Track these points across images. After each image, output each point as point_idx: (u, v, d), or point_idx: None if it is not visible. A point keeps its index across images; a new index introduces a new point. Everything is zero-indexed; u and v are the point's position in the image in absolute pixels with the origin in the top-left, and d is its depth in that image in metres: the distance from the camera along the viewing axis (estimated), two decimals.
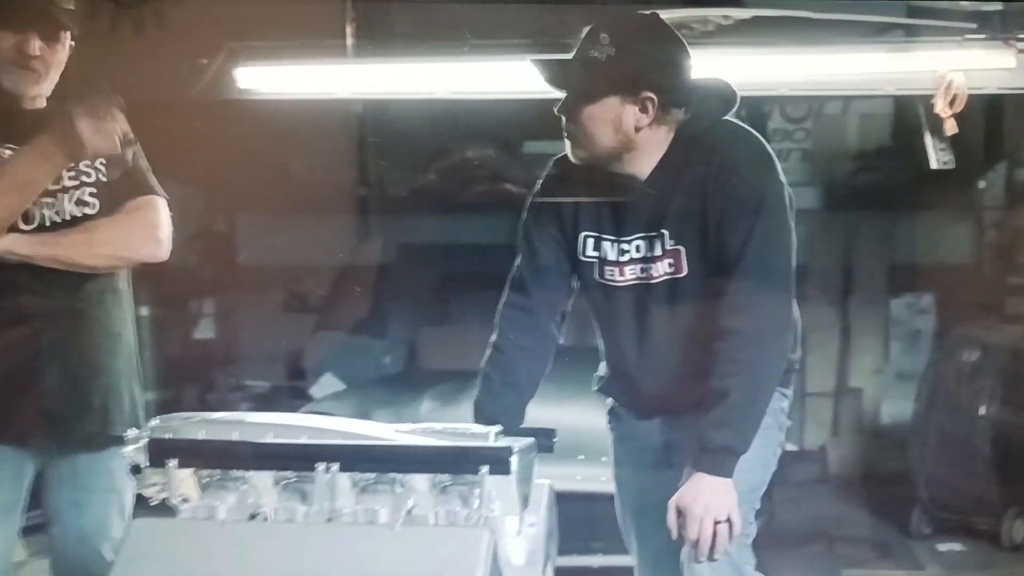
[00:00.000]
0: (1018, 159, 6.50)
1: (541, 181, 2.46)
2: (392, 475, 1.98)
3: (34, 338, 2.49)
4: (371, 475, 1.98)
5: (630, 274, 2.34)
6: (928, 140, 4.08)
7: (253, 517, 2.00)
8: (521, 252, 2.46)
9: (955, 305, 6.63)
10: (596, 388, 2.57)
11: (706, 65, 4.11)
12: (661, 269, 2.30)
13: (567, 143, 2.32)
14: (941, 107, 3.86)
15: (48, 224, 2.47)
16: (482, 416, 2.39)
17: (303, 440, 1.97)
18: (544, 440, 2.20)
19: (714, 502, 2.19)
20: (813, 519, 5.12)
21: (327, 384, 6.37)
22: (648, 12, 2.31)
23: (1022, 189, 6.67)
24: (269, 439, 2.00)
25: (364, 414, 4.67)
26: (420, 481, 1.98)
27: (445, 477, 1.97)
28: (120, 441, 2.57)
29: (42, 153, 2.35)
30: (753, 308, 2.21)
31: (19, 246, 2.41)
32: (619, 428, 2.56)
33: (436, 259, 6.63)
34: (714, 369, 2.21)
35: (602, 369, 2.56)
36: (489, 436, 2.05)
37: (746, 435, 2.23)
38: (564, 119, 2.30)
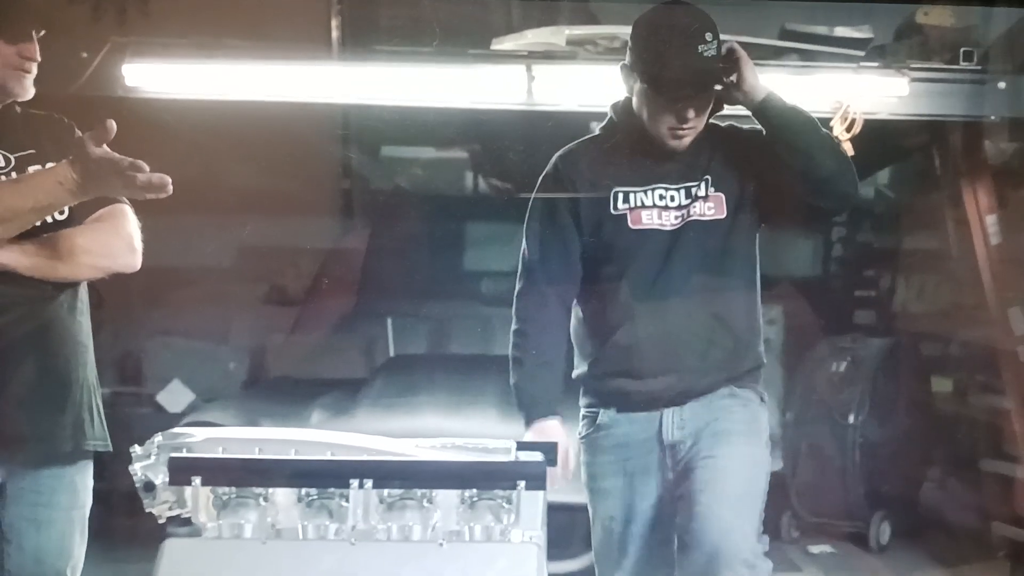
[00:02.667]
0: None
1: (556, 165, 2.69)
2: (419, 491, 2.02)
3: (9, 348, 2.41)
4: (398, 491, 2.01)
5: (666, 219, 2.59)
6: None
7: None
8: (536, 238, 2.65)
9: (803, 317, 7.02)
10: (590, 374, 2.67)
11: (613, 79, 4.31)
12: (701, 209, 2.59)
13: (684, 134, 2.56)
14: (839, 131, 4.12)
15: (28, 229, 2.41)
16: (526, 397, 2.59)
17: (335, 456, 1.98)
18: (548, 454, 2.27)
19: None
20: None
21: (175, 391, 6.25)
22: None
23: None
24: (295, 456, 2.01)
25: (249, 423, 4.60)
26: (448, 497, 2.02)
27: (473, 492, 2.02)
28: (88, 456, 2.55)
29: (60, 180, 2.30)
30: None
31: (1, 255, 2.34)
32: (604, 437, 2.65)
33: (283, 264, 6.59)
34: None
35: (583, 366, 2.68)
36: (511, 451, 2.12)
37: None
38: (686, 113, 2.53)
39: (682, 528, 2.57)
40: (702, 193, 2.59)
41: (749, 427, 2.60)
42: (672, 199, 2.59)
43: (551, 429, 2.57)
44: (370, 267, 6.32)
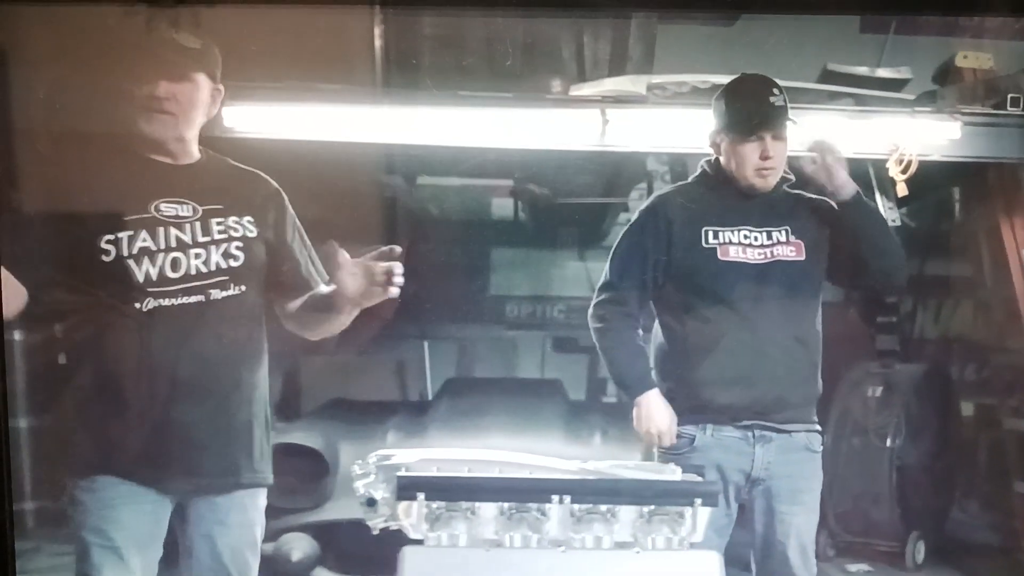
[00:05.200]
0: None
1: (655, 202, 3.27)
2: (604, 506, 2.42)
3: (202, 394, 2.80)
4: (586, 506, 2.41)
5: (750, 255, 3.15)
6: (879, 199, 4.80)
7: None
8: (624, 256, 3.25)
9: (834, 342, 7.40)
10: (684, 386, 3.19)
11: (678, 122, 4.71)
12: (784, 252, 3.16)
13: (768, 173, 3.18)
14: (894, 172, 4.56)
15: (194, 273, 2.78)
16: (626, 379, 3.22)
17: (538, 475, 2.38)
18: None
19: None
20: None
21: None
22: None
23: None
24: (500, 474, 2.40)
25: (331, 445, 4.97)
26: (629, 511, 2.42)
27: (651, 507, 2.43)
28: (260, 483, 2.94)
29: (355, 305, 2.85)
30: None
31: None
32: (699, 457, 3.11)
33: None
34: None
35: (670, 381, 3.21)
36: (676, 472, 2.53)
37: None
38: (767, 151, 3.17)
39: (762, 563, 3.29)
40: (783, 238, 3.20)
41: (812, 483, 3.33)
42: (755, 239, 3.18)
43: (654, 398, 3.17)
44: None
